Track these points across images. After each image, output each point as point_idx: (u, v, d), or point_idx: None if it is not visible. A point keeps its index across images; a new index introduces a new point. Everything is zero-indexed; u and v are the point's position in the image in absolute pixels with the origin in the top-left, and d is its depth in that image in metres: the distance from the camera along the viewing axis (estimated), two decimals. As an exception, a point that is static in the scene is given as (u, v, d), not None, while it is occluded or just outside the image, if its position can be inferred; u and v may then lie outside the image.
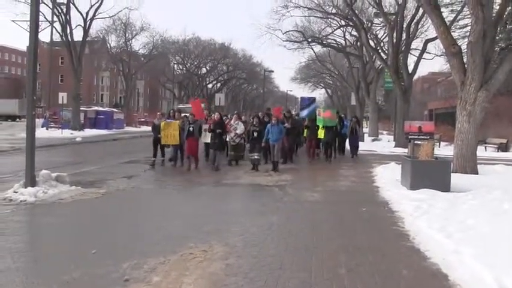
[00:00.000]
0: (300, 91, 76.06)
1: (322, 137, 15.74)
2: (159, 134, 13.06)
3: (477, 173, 11.88)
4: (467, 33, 14.17)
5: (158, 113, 14.93)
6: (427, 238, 5.87)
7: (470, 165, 11.94)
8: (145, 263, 4.74)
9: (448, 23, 15.07)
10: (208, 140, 13.44)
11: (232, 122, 14.11)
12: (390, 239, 6.07)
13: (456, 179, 9.93)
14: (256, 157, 12.76)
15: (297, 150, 17.21)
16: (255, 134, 12.91)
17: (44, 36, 40.55)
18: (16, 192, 8.11)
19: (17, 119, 51.68)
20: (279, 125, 13.04)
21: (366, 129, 32.23)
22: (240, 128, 13.71)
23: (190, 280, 4.34)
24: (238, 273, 4.54)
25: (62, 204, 7.86)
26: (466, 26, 19.18)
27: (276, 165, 12.71)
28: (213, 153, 12.82)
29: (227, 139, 14.15)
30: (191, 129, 12.82)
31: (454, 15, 20.75)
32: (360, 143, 19.20)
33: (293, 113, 21.42)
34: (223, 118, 14.67)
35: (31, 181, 8.41)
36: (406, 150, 16.46)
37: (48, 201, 7.91)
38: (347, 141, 18.35)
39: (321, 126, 15.51)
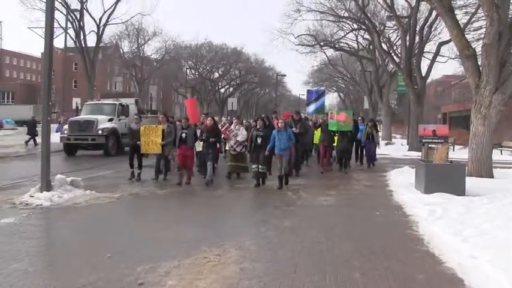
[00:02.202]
0: (312, 95, 75.59)
1: (335, 144, 13.78)
2: (138, 141, 11.08)
3: (493, 177, 11.72)
4: (482, 36, 14.01)
5: (135, 116, 12.12)
6: (442, 242, 5.80)
7: (485, 169, 11.79)
8: (159, 267, 4.77)
9: (462, 26, 14.93)
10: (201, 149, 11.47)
11: (232, 127, 12.02)
12: (404, 243, 6.02)
13: (471, 182, 9.81)
14: (261, 170, 10.55)
15: (308, 159, 15.55)
16: (259, 141, 10.59)
17: (58, 42, 40.94)
18: (32, 197, 8.24)
19: (32, 124, 52.52)
20: (287, 130, 10.59)
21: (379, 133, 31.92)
22: (242, 135, 11.65)
23: (205, 284, 4.36)
24: (252, 277, 4.54)
25: (77, 208, 7.95)
26: (480, 28, 18.94)
27: (282, 181, 10.46)
28: (209, 166, 10.75)
29: (226, 147, 12.44)
30: (184, 135, 10.75)
31: (468, 17, 20.54)
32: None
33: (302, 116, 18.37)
34: (218, 123, 12.77)
35: (47, 186, 8.56)
36: (419, 153, 16.26)
37: (64, 206, 8.02)
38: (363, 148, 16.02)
39: (335, 131, 13.40)
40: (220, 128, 11.94)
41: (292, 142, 10.69)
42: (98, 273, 4.58)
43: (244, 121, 17.09)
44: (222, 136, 11.65)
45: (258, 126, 10.85)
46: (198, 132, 11.37)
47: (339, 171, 13.55)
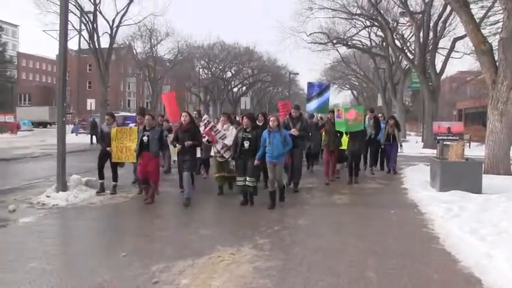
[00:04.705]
0: (325, 93, 75.29)
1: (346, 147, 11.22)
2: (109, 147, 9.06)
3: (510, 174, 11.52)
4: (499, 30, 13.79)
5: (107, 116, 9.83)
6: (459, 241, 5.72)
7: (503, 166, 11.61)
8: (174, 266, 4.80)
9: (477, 20, 14.71)
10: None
11: (219, 126, 9.46)
12: (420, 241, 5.95)
13: (488, 180, 9.66)
14: (249, 183, 8.04)
15: (313, 167, 13.48)
16: (246, 145, 8.08)
17: (73, 44, 41.74)
18: (48, 197, 8.38)
19: (48, 125, 53.54)
20: (281, 131, 8.07)
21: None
22: (232, 136, 8.89)
23: (219, 283, 4.36)
24: (266, 276, 4.53)
25: (92, 208, 8.04)
26: (497, 22, 18.60)
27: (275, 198, 8.11)
28: (187, 180, 8.39)
29: (211, 153, 9.99)
30: (145, 139, 8.33)
31: (483, 11, 20.19)
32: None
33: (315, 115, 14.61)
34: (202, 120, 10.25)
35: (62, 186, 8.72)
36: (434, 151, 16.05)
37: (79, 205, 8.13)
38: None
39: (343, 132, 10.98)
40: (203, 127, 9.67)
41: (289, 147, 8.23)
42: (113, 272, 4.62)
43: (237, 118, 14.16)
44: (206, 138, 9.25)
45: (244, 126, 8.30)
46: (171, 136, 9.52)
47: (349, 183, 10.98)
